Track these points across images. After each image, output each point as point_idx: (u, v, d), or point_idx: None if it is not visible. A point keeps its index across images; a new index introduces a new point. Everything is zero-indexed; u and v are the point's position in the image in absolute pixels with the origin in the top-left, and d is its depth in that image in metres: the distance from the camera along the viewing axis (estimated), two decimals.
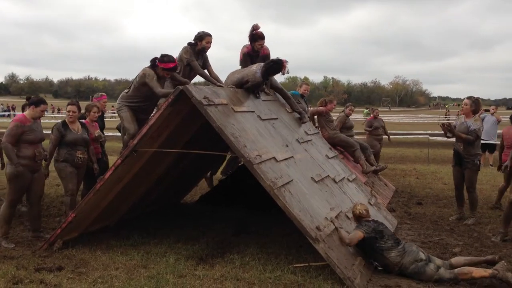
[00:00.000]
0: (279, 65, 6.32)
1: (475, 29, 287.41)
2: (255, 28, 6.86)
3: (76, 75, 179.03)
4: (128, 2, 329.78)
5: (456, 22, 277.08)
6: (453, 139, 7.25)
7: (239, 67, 7.06)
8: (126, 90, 6.08)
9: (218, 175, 9.30)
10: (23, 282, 4.46)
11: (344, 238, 4.88)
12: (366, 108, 45.92)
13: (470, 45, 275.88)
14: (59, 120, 6.85)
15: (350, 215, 5.66)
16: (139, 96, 5.93)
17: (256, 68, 6.33)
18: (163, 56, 5.84)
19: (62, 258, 5.16)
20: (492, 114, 13.78)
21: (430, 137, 16.78)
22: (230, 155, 7.58)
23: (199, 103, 5.00)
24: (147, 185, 6.40)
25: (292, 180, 5.21)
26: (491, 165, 13.41)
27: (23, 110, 7.81)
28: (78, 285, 4.41)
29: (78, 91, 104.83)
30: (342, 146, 8.89)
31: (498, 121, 13.95)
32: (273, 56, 6.95)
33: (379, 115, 12.36)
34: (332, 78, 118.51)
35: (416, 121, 39.57)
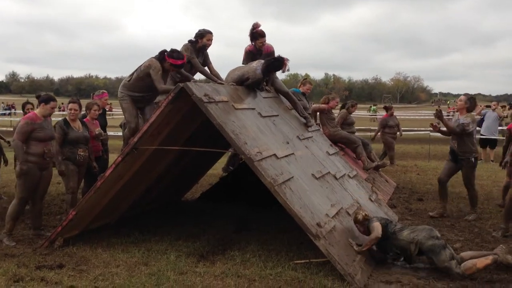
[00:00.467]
0: (279, 62, 6.31)
1: (476, 26, 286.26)
2: (255, 26, 6.86)
3: (77, 74, 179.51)
4: (129, 0, 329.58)
5: (457, 18, 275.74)
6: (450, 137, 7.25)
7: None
8: (127, 79, 6.01)
9: (219, 172, 9.30)
10: (24, 280, 4.47)
11: (372, 239, 4.94)
12: (374, 105, 46.00)
13: (471, 42, 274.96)
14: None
15: (351, 211, 5.66)
16: (142, 86, 5.86)
17: (256, 65, 6.32)
18: (173, 51, 5.81)
19: (63, 256, 5.17)
20: (494, 110, 13.77)
21: (431, 133, 16.77)
22: (231, 152, 7.59)
23: (199, 101, 4.99)
24: (147, 182, 6.41)
25: (292, 177, 5.21)
26: (492, 160, 13.40)
27: (23, 109, 7.81)
28: (79, 283, 4.42)
29: (79, 89, 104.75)
30: (343, 143, 8.89)
31: (500, 117, 13.95)
32: (277, 53, 6.95)
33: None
34: (333, 75, 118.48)
35: (417, 117, 39.52)
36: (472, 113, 7.11)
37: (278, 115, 6.49)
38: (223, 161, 9.49)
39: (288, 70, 6.42)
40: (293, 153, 5.79)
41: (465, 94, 7.18)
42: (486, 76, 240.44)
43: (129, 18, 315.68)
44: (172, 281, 4.45)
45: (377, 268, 4.97)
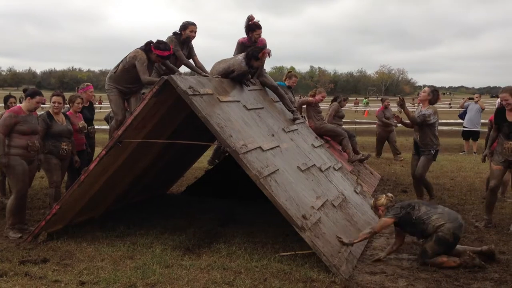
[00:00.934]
0: (257, 50, 6.28)
1: (461, 18, 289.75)
2: (250, 18, 6.82)
3: (60, 66, 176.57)
4: None
5: (442, 10, 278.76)
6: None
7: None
8: (113, 70, 5.96)
9: (205, 165, 9.27)
10: (8, 275, 4.41)
11: (368, 233, 4.95)
12: (365, 98, 46.32)
13: (456, 34, 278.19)
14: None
15: (336, 203, 5.70)
16: (128, 78, 5.82)
17: (241, 57, 6.31)
18: (159, 42, 5.78)
19: (47, 250, 5.12)
20: (476, 102, 13.96)
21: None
22: (216, 145, 7.57)
23: (184, 93, 4.96)
24: (132, 176, 6.36)
25: (278, 170, 5.22)
26: (475, 152, 13.61)
27: (5, 102, 7.65)
28: (64, 277, 4.38)
29: (62, 82, 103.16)
30: (329, 136, 8.94)
31: (482, 109, 14.15)
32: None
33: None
34: (319, 67, 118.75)
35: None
36: (434, 106, 7.10)
37: (263, 108, 6.49)
38: (208, 154, 9.47)
39: (269, 56, 6.42)
40: (278, 146, 5.80)
41: (429, 87, 7.26)
42: (471, 68, 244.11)
43: (112, 9, 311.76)
44: (158, 274, 4.44)
45: (361, 259, 5.02)
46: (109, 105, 6.42)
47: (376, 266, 4.83)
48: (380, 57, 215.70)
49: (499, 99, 6.73)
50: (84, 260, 4.83)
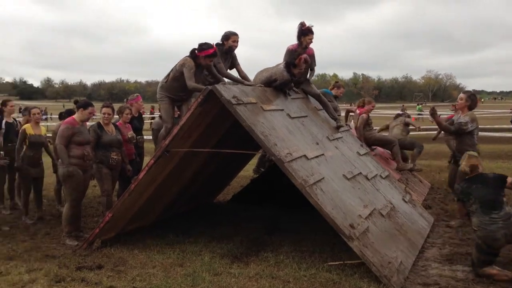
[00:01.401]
0: (293, 57, 6.30)
1: (509, 20, 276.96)
2: (303, 24, 6.87)
3: (108, 78, 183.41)
4: (153, 2, 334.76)
5: (487, 13, 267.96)
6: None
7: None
8: (164, 80, 6.08)
9: (250, 174, 9.32)
10: (66, 280, 4.61)
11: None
12: (418, 104, 45.22)
13: (504, 37, 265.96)
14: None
15: (384, 212, 5.59)
16: (178, 86, 5.92)
17: (283, 66, 6.34)
18: (201, 44, 5.85)
19: (101, 257, 5.31)
20: None
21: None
22: (260, 153, 7.60)
23: (228, 103, 5.04)
24: (179, 185, 6.50)
25: (323, 178, 5.18)
26: None
27: (60, 118, 8.03)
28: (118, 283, 4.53)
29: (111, 93, 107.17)
30: (379, 145, 8.74)
31: None
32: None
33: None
34: (362, 74, 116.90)
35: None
36: (473, 111, 6.74)
37: (307, 116, 6.47)
38: (253, 162, 9.53)
39: (306, 63, 6.40)
40: (323, 154, 5.76)
41: (465, 92, 6.90)
42: None
43: (155, 21, 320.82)
44: (207, 282, 4.50)
45: (413, 270, 4.88)
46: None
47: (429, 277, 4.68)
48: (424, 62, 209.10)
49: None
50: (136, 267, 4.97)
